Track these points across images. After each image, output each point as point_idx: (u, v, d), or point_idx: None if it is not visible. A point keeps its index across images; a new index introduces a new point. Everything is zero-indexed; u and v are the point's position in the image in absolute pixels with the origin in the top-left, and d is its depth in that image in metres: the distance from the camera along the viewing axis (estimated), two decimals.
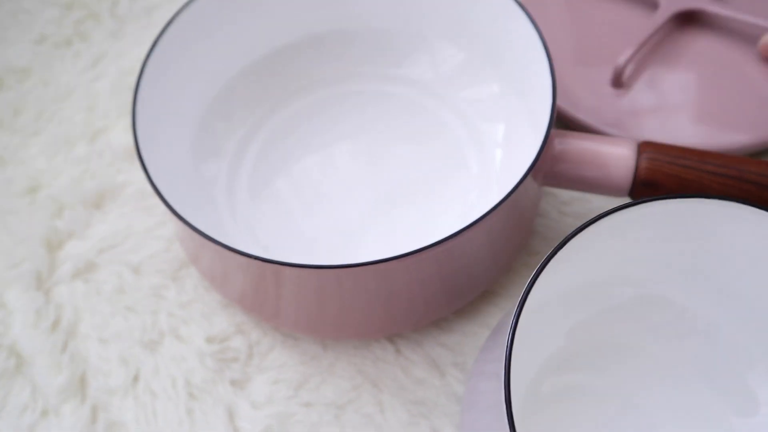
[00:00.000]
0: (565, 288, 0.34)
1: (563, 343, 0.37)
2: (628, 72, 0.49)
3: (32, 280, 0.46)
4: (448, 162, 0.46)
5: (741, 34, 0.49)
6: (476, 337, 0.42)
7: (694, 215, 0.30)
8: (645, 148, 0.38)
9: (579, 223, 0.29)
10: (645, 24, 0.49)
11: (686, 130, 0.47)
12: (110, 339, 0.44)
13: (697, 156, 0.37)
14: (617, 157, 0.38)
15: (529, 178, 0.35)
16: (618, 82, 0.48)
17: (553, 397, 0.36)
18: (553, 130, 0.37)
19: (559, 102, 0.46)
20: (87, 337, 0.44)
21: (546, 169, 0.39)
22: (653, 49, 0.50)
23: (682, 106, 0.48)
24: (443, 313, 0.42)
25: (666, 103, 0.48)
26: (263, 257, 0.34)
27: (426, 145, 0.47)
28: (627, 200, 0.39)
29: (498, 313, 0.43)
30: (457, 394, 0.40)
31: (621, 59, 0.48)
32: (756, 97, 0.47)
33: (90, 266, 0.46)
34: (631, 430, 0.35)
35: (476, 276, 0.40)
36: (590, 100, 0.48)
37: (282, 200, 0.46)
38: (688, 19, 0.51)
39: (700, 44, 0.50)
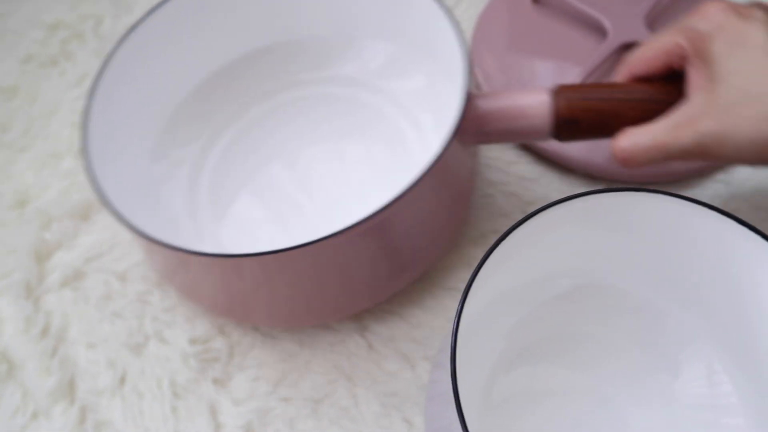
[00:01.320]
0: (507, 284, 0.36)
1: (511, 339, 0.39)
2: None
3: (22, 289, 0.48)
4: (395, 151, 0.49)
5: None
6: (444, 331, 0.44)
7: (623, 206, 0.33)
8: (560, 90, 0.40)
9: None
10: (594, 52, 0.51)
11: None
12: (98, 343, 0.46)
13: (607, 87, 0.40)
14: (537, 103, 0.40)
15: (455, 142, 0.37)
16: None
17: (510, 393, 0.38)
18: (474, 92, 0.40)
19: None
20: (75, 342, 0.46)
21: (473, 129, 0.41)
22: (601, 77, 0.51)
23: None
24: (384, 294, 0.44)
25: None
26: (206, 252, 0.36)
27: (372, 138, 0.50)
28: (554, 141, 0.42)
29: None
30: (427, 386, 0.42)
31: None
32: None
33: (77, 275, 0.49)
34: (590, 406, 0.38)
35: (417, 250, 0.42)
36: None
37: (242, 207, 0.49)
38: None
39: None
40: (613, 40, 0.51)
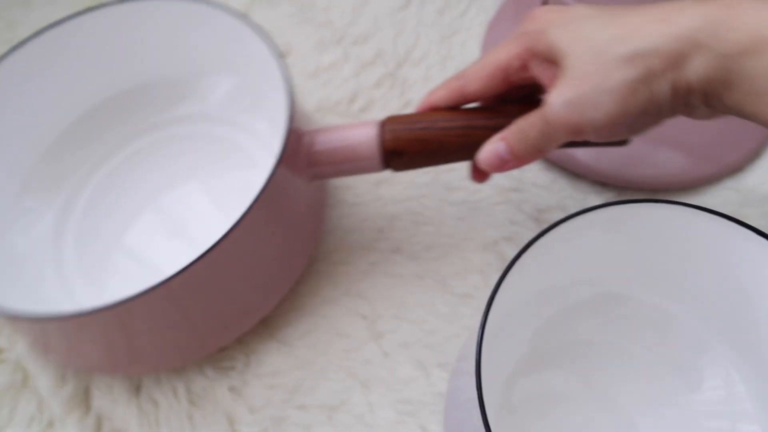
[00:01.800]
0: (528, 291, 0.37)
1: (531, 344, 0.39)
2: None
3: None
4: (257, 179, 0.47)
5: None
6: (458, 338, 0.44)
7: (641, 217, 0.33)
8: (385, 122, 0.41)
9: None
10: None
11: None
12: None
13: (429, 117, 0.40)
14: (365, 138, 0.41)
15: (287, 176, 0.39)
16: None
17: (526, 396, 0.39)
18: (304, 129, 0.41)
19: None
20: None
21: (305, 164, 0.42)
22: None
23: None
24: (223, 340, 0.44)
25: None
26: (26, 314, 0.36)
27: (232, 170, 0.51)
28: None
29: (476, 316, 0.45)
30: (442, 393, 0.43)
31: None
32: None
33: None
34: (603, 414, 0.38)
35: (256, 289, 0.43)
36: None
37: (115, 259, 0.49)
38: None
39: None
40: None
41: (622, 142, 0.39)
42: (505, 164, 0.37)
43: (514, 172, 0.51)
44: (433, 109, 0.40)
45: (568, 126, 0.33)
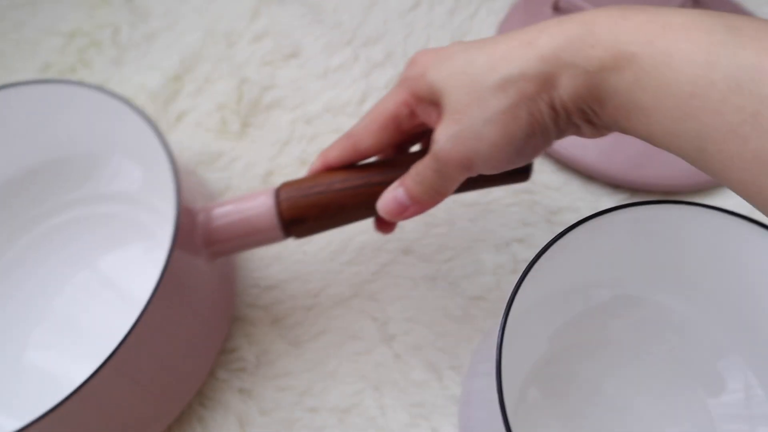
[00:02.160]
0: (546, 293, 0.36)
1: (548, 346, 0.39)
2: None
3: None
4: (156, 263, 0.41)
5: None
6: (471, 341, 0.44)
7: (658, 218, 0.33)
8: (280, 190, 0.39)
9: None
10: None
11: None
12: None
13: (325, 179, 0.38)
14: (259, 207, 0.39)
15: (185, 258, 0.38)
16: None
17: (543, 397, 0.39)
18: (198, 207, 0.40)
19: None
20: None
21: (203, 242, 0.40)
22: None
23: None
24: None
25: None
26: None
27: (127, 250, 0.49)
28: (286, 240, 0.41)
29: (488, 318, 0.45)
30: (455, 396, 0.42)
31: None
32: None
33: None
34: (617, 416, 0.38)
35: (172, 382, 0.41)
36: None
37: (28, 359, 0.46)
38: None
39: None
40: None
41: (523, 175, 0.38)
42: (405, 210, 0.36)
43: None
44: (329, 170, 0.39)
45: (457, 161, 0.32)
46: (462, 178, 0.34)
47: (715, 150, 0.25)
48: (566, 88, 0.29)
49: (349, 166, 0.39)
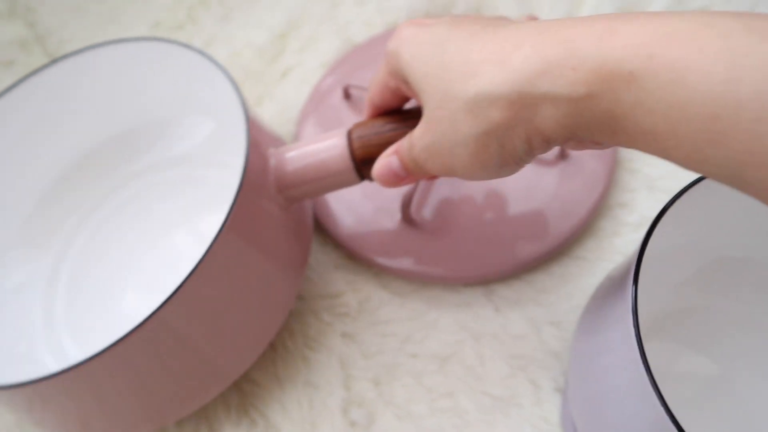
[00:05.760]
0: (664, 250, 0.36)
1: (665, 303, 0.39)
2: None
3: None
4: None
5: None
6: (570, 298, 0.45)
7: None
8: (352, 130, 0.38)
9: None
10: None
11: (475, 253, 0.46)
12: None
13: (395, 117, 0.37)
14: (331, 149, 0.38)
15: (257, 202, 0.38)
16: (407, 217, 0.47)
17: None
18: (270, 152, 0.40)
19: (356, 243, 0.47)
20: None
21: (273, 190, 0.40)
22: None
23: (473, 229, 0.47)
24: (207, 395, 0.40)
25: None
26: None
27: (212, 210, 0.47)
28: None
29: (587, 277, 0.45)
30: (554, 350, 0.43)
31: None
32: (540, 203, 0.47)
33: None
34: (712, 384, 0.38)
35: (245, 322, 0.40)
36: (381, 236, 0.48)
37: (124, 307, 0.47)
38: None
39: None
40: None
41: None
42: (400, 181, 0.35)
43: None
44: (384, 114, 0.38)
45: (435, 170, 0.32)
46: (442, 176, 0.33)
47: (755, 178, 0.21)
48: (547, 120, 0.26)
49: (412, 109, 0.38)
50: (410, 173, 0.35)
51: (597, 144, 0.29)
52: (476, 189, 0.48)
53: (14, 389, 0.34)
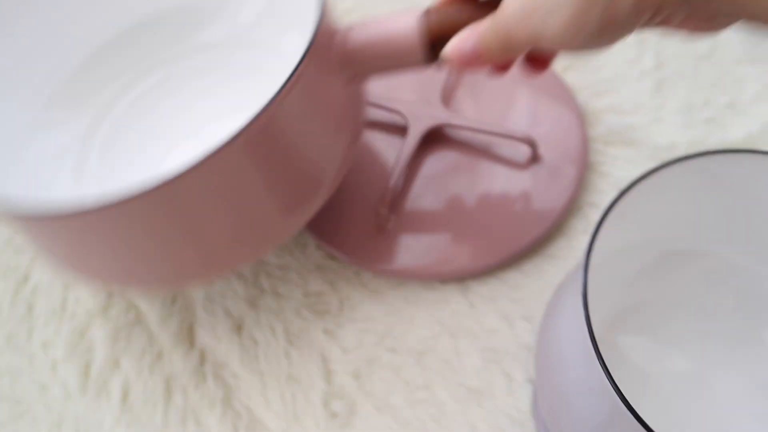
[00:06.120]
0: (616, 247, 0.37)
1: (618, 299, 0.40)
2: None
3: None
4: None
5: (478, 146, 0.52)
6: (542, 294, 0.46)
7: (720, 169, 0.34)
8: (427, 11, 0.38)
9: None
10: (401, 145, 0.51)
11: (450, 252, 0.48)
12: (215, 298, 0.49)
13: (475, 4, 0.36)
14: (404, 27, 0.38)
15: (320, 73, 0.37)
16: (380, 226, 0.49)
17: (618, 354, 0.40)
18: (337, 26, 0.39)
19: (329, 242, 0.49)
20: (194, 294, 0.50)
21: (336, 64, 0.40)
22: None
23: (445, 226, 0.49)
24: (281, 236, 0.41)
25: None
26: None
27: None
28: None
29: (558, 274, 0.47)
30: (527, 343, 0.45)
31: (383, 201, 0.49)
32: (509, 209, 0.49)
33: None
34: (679, 377, 0.39)
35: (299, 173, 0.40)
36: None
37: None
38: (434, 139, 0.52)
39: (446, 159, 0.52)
40: (415, 130, 0.51)
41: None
42: (471, 62, 0.34)
43: (599, 146, 0.53)
44: (461, 1, 0.37)
45: (523, 37, 0.31)
46: (528, 49, 0.32)
47: None
48: None
49: None
50: (485, 53, 0.34)
51: (708, 22, 0.28)
52: (453, 190, 0.50)
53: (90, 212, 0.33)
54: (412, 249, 0.48)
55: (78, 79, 0.51)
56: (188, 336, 0.48)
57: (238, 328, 0.48)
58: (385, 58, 0.39)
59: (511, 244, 0.47)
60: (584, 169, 0.50)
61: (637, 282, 0.41)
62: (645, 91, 0.54)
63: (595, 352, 0.28)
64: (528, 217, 0.48)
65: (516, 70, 0.40)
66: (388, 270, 0.48)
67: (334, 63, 0.40)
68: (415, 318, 0.47)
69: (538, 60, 0.38)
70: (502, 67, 0.39)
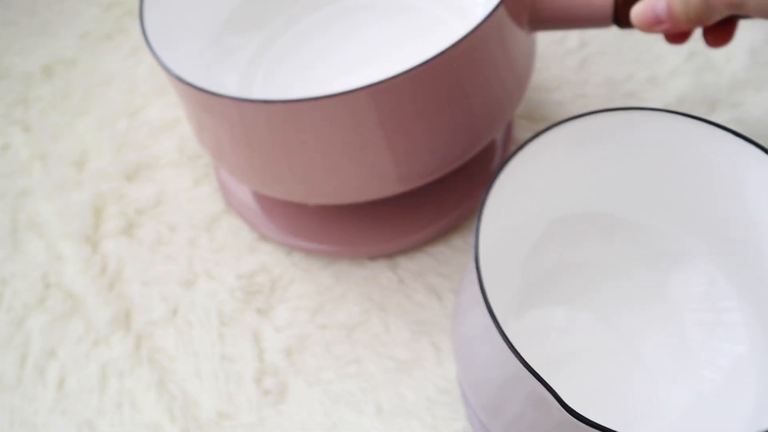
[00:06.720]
0: (510, 221, 0.38)
1: (521, 274, 0.41)
2: None
3: (81, 236, 0.52)
4: None
5: None
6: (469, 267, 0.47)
7: (620, 127, 0.35)
8: None
9: None
10: None
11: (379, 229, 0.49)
12: (151, 281, 0.50)
13: None
14: None
15: (503, 16, 0.38)
16: None
17: (525, 327, 0.41)
18: None
19: None
20: (131, 281, 0.50)
21: (526, 10, 0.41)
22: None
23: None
24: (456, 159, 0.42)
25: None
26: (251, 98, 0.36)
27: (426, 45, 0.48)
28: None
29: None
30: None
31: None
32: None
33: (131, 224, 0.53)
34: (595, 333, 0.40)
35: (480, 108, 0.41)
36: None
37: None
38: None
39: None
40: None
41: None
42: (658, 24, 0.35)
43: None
44: None
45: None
46: (726, 14, 0.33)
47: None
48: None
49: None
50: (672, 20, 0.34)
51: None
52: None
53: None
54: (341, 227, 0.49)
55: (254, 2, 0.53)
56: (125, 322, 0.49)
57: (173, 312, 0.49)
58: (575, 14, 0.40)
59: (439, 219, 0.48)
60: (510, 144, 0.51)
61: (537, 253, 0.41)
62: (570, 69, 0.56)
63: (488, 310, 0.29)
64: (456, 192, 0.49)
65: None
66: (318, 249, 0.48)
67: (525, 9, 0.40)
68: (345, 295, 0.48)
69: (725, 30, 0.38)
70: (680, 35, 0.39)
